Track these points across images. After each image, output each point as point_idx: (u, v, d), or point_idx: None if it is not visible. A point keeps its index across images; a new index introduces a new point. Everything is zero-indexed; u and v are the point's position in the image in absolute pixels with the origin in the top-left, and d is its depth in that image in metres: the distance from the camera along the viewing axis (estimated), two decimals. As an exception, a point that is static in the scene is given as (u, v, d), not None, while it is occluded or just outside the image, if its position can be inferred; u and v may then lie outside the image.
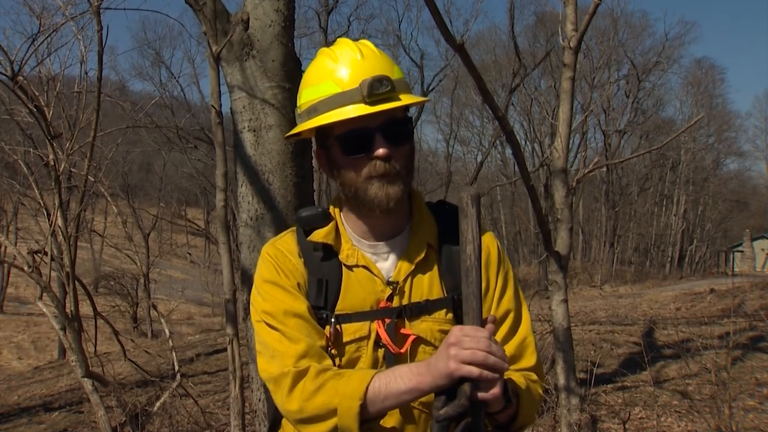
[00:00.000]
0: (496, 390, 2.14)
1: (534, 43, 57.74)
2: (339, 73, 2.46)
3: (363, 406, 2.23)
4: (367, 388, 2.24)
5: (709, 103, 73.49)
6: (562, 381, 8.24)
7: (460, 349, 2.12)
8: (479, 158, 59.39)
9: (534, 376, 2.59)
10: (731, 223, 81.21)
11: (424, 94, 45.99)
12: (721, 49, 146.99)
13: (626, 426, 9.25)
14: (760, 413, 9.64)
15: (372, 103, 2.38)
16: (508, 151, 57.61)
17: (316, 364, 2.38)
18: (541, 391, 2.62)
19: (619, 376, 12.22)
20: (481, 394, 2.13)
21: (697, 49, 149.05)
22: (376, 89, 2.37)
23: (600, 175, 58.73)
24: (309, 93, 2.53)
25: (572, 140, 39.17)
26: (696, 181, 70.80)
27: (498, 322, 2.55)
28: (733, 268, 62.96)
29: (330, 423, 2.28)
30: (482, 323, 2.23)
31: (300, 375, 2.35)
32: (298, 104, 2.61)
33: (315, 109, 2.49)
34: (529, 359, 2.61)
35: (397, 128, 2.47)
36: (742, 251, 69.80)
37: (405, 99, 2.44)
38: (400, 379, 2.23)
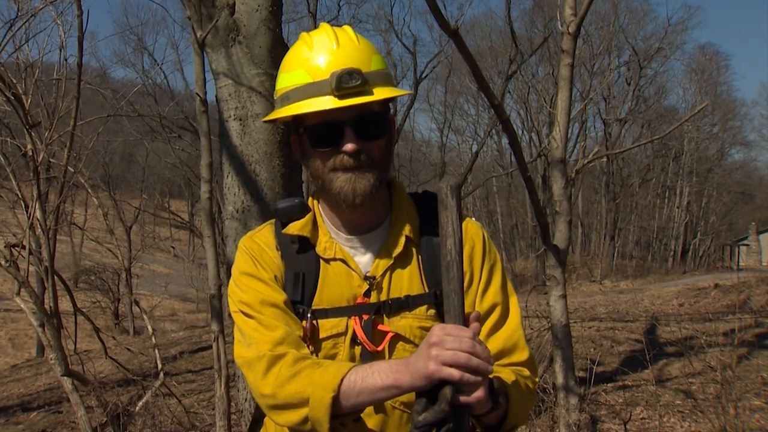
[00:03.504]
0: (479, 393, 2.12)
1: (531, 29, 57.83)
2: (312, 61, 2.47)
3: (336, 399, 2.22)
4: (342, 380, 2.23)
5: (713, 90, 73.51)
6: (560, 380, 8.26)
7: (441, 349, 2.10)
8: (474, 148, 59.26)
9: (526, 372, 2.58)
10: (736, 215, 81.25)
11: (417, 82, 45.96)
12: (725, 35, 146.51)
13: (627, 426, 9.27)
14: (767, 413, 9.67)
15: (341, 97, 2.39)
16: (505, 140, 57.27)
17: (294, 351, 2.39)
18: (534, 387, 2.61)
19: (619, 374, 12.24)
20: (463, 398, 2.11)
21: (701, 34, 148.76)
22: (345, 83, 2.37)
23: (600, 165, 58.77)
24: (283, 80, 2.56)
25: (571, 129, 39.20)
26: (700, 172, 70.84)
27: (483, 316, 2.56)
28: (738, 262, 63.03)
29: (301, 412, 2.28)
30: (465, 321, 2.21)
31: (276, 359, 2.36)
32: (275, 88, 2.62)
33: (287, 98, 2.51)
34: (521, 353, 2.59)
35: (369, 123, 2.48)
36: (747, 245, 69.84)
37: (378, 93, 2.44)
38: (378, 374, 2.21)
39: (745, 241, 70.73)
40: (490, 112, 45.19)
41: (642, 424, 9.78)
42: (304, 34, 2.58)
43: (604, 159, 54.11)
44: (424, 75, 50.02)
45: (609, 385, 11.77)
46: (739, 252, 68.85)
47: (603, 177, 63.18)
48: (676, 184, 69.63)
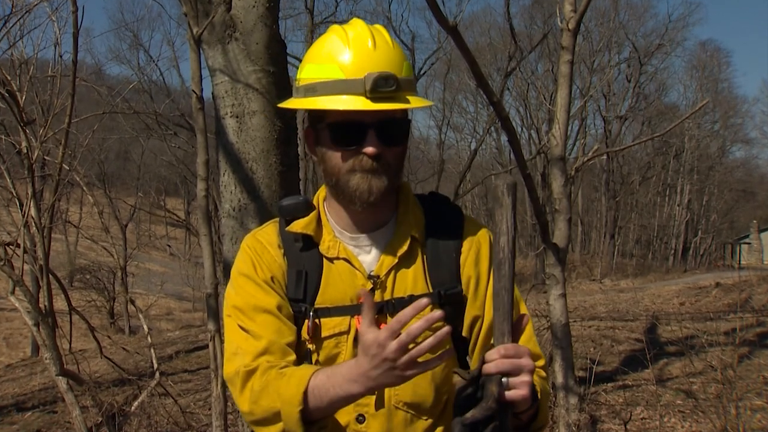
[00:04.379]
0: (525, 391, 2.14)
1: (531, 25, 58.00)
2: (346, 58, 2.43)
3: (304, 411, 2.24)
4: (305, 392, 2.25)
5: (714, 87, 73.52)
6: (560, 379, 8.26)
7: (392, 362, 2.12)
8: (473, 146, 59.43)
9: (543, 374, 2.60)
10: (738, 213, 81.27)
11: (416, 78, 45.96)
12: (727, 31, 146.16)
13: (627, 426, 9.28)
14: (768, 413, 9.68)
15: (374, 100, 2.36)
16: (504, 138, 57.25)
17: (272, 360, 2.41)
18: (550, 390, 2.63)
19: (619, 374, 12.25)
20: (509, 394, 2.13)
21: (702, 31, 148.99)
22: (381, 86, 2.34)
23: (600, 163, 58.79)
24: (311, 70, 2.51)
25: (571, 127, 39.22)
26: (701, 170, 70.84)
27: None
28: (739, 260, 63.04)
29: (279, 426, 2.31)
30: (511, 319, 2.21)
31: (249, 374, 2.39)
32: (297, 77, 2.59)
33: (314, 89, 2.47)
34: (538, 358, 2.59)
35: (392, 128, 2.47)
36: (749, 243, 69.78)
37: (412, 102, 2.43)
38: (339, 387, 2.23)
39: (747, 240, 70.69)
40: (489, 109, 45.12)
41: (642, 424, 9.79)
42: (336, 27, 2.55)
43: (604, 157, 54.16)
44: (422, 72, 50.04)
45: (609, 384, 11.78)
46: (740, 250, 68.81)
47: (603, 175, 63.21)
48: (676, 182, 69.66)
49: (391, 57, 2.45)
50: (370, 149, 2.40)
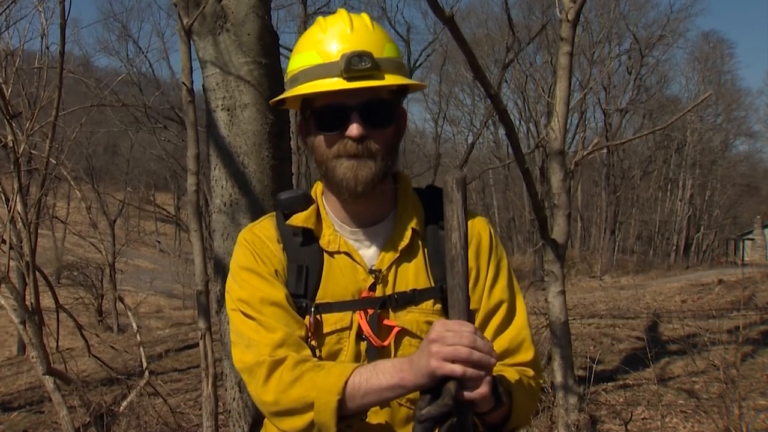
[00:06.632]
0: (483, 389, 2.12)
1: (529, 16, 58.01)
2: (324, 44, 2.46)
3: (341, 402, 2.22)
4: (346, 382, 2.23)
5: (717, 79, 73.62)
6: (559, 379, 8.27)
7: (442, 345, 2.10)
8: (470, 139, 59.56)
9: (530, 372, 2.57)
10: (741, 208, 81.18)
11: (411, 71, 45.91)
12: (730, 22, 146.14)
13: (628, 427, 9.28)
14: (772, 413, 9.69)
15: (350, 79, 2.39)
16: (501, 131, 57.22)
17: (294, 353, 2.38)
18: (538, 387, 2.61)
19: (620, 373, 12.25)
20: (467, 394, 2.11)
21: (705, 21, 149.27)
22: (355, 65, 2.37)
23: (600, 157, 58.74)
24: (294, 62, 2.55)
25: (570, 120, 39.19)
26: (703, 164, 70.89)
27: (490, 313, 2.58)
28: (743, 257, 63.06)
29: (306, 417, 2.28)
30: (469, 316, 2.21)
31: (276, 364, 2.36)
32: (286, 72, 2.62)
33: (296, 79, 2.51)
34: (526, 353, 2.58)
35: (377, 109, 2.47)
36: (752, 239, 69.78)
37: (389, 79, 2.44)
38: (382, 375, 2.22)
39: (750, 236, 70.69)
40: (487, 102, 45.11)
41: (643, 424, 9.80)
42: (320, 18, 2.57)
43: (604, 150, 54.08)
44: (418, 63, 49.90)
45: (609, 384, 11.78)
46: (743, 246, 68.85)
47: (603, 169, 63.21)
48: (678, 176, 69.78)
49: (370, 38, 2.48)
50: (353, 131, 2.41)
